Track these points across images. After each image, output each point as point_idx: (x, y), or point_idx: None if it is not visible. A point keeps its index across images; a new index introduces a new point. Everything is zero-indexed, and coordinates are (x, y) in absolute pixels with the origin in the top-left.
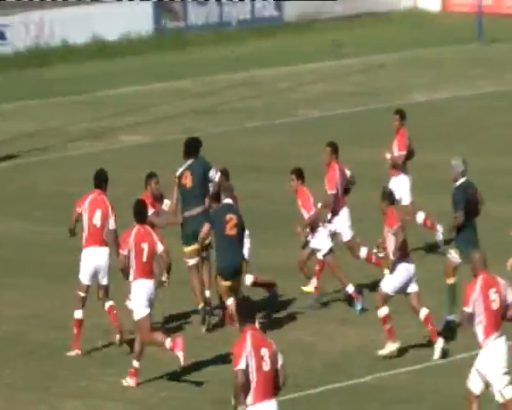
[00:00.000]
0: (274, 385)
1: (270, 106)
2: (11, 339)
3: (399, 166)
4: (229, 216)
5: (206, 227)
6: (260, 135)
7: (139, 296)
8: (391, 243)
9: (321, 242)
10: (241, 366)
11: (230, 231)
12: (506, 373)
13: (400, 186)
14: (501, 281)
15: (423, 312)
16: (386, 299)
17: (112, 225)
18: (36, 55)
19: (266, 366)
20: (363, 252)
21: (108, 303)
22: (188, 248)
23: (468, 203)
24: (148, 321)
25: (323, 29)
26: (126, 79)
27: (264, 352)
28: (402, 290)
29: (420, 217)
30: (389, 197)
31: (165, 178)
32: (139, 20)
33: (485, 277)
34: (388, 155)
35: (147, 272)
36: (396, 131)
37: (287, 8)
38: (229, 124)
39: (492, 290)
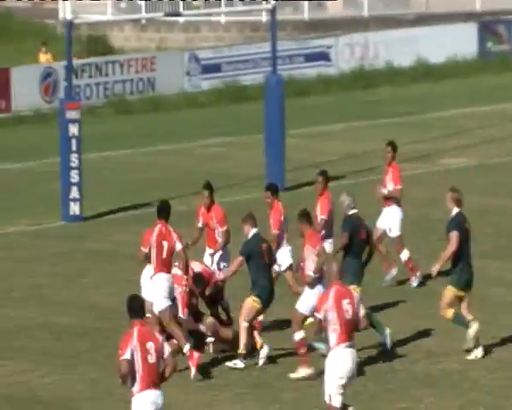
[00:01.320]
0: (160, 375)
1: None
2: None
3: (397, 200)
4: (264, 245)
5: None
6: None
7: (159, 289)
8: (310, 263)
9: (283, 258)
10: (126, 356)
11: (267, 259)
12: (344, 382)
13: (391, 217)
14: (354, 294)
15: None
16: (303, 321)
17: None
18: (360, 76)
19: (152, 359)
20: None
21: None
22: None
23: (352, 234)
24: (169, 311)
25: None
26: (451, 101)
27: (150, 345)
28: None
29: (404, 255)
30: (306, 218)
31: (492, 201)
32: (464, 43)
33: (339, 288)
34: (385, 191)
35: (166, 267)
36: (388, 164)
37: None
38: None
39: (346, 301)
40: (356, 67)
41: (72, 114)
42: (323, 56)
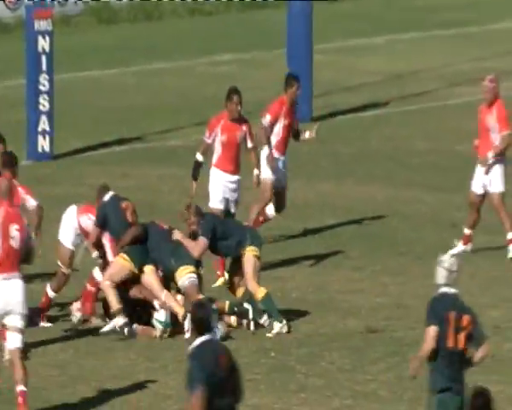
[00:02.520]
0: None
1: None
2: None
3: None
4: None
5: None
6: None
7: None
8: None
9: None
10: None
11: None
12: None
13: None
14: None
15: None
16: None
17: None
18: None
19: None
20: None
21: None
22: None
23: None
24: None
25: None
26: None
27: None
28: None
29: (270, 209)
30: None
31: None
32: None
33: (9, 209)
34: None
35: None
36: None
37: None
38: None
39: (15, 226)
40: None
41: (41, 25)
42: None
